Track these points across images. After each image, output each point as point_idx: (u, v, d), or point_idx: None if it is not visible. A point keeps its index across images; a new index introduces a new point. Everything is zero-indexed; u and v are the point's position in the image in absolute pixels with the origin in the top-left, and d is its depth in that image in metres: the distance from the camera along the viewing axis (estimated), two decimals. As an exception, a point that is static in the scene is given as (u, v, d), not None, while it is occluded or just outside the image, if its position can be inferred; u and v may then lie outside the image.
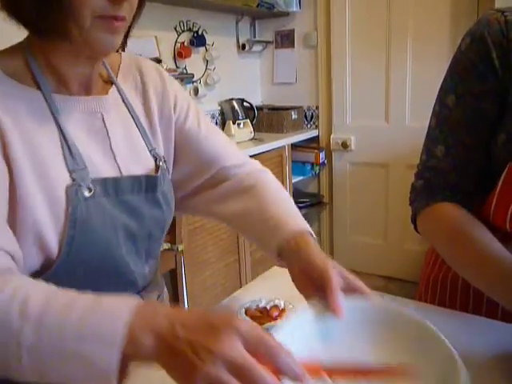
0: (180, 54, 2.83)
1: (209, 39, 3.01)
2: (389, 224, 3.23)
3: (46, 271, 0.67)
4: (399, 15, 2.91)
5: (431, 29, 2.81)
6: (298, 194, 3.37)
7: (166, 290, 1.00)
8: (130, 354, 0.51)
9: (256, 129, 3.21)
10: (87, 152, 0.73)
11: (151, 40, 2.64)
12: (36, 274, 0.67)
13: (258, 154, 2.81)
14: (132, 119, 0.82)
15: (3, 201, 0.64)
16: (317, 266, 0.73)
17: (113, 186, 0.74)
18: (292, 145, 3.16)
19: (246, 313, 0.85)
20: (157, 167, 0.83)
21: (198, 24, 2.96)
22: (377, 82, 3.08)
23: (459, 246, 0.85)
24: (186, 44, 2.91)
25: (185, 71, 2.92)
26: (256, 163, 0.99)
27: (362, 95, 3.17)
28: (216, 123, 3.18)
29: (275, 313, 0.85)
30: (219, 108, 3.21)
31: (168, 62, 2.80)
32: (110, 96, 0.79)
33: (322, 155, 3.33)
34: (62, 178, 0.69)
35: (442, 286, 1.00)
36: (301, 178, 3.36)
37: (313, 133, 3.41)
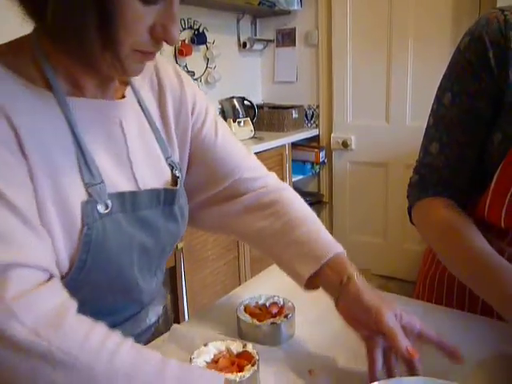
0: (181, 51, 2.83)
1: (210, 37, 3.01)
2: (388, 223, 3.23)
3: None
4: (400, 14, 2.91)
5: (432, 28, 2.81)
6: (297, 193, 3.36)
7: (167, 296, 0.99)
8: None
9: (256, 127, 3.20)
10: (103, 162, 0.68)
11: (152, 37, 2.63)
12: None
13: (259, 152, 2.80)
14: (148, 124, 0.77)
15: (31, 204, 0.59)
16: (370, 310, 0.69)
17: (130, 201, 0.69)
18: (292, 144, 3.16)
19: (245, 310, 0.85)
20: (174, 178, 0.78)
21: (199, 22, 2.96)
22: (377, 82, 3.08)
23: (444, 240, 0.86)
24: (186, 42, 2.91)
25: (185, 69, 2.92)
26: (275, 177, 0.93)
27: (362, 94, 3.17)
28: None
29: (274, 310, 0.85)
30: (220, 106, 3.20)
31: (169, 60, 2.79)
32: (127, 99, 0.73)
33: (322, 154, 3.33)
34: (78, 193, 0.64)
35: (438, 284, 1.00)
36: (301, 176, 3.36)
37: (313, 132, 3.41)
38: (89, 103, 0.67)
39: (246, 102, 3.20)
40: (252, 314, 0.84)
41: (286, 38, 3.43)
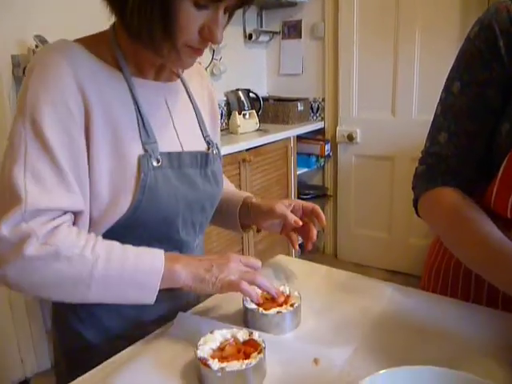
0: (186, 43, 2.81)
1: (215, 29, 2.98)
2: (393, 218, 3.22)
3: (105, 230, 0.81)
4: (408, 6, 2.88)
5: (440, 20, 2.78)
6: (302, 186, 3.36)
7: None
8: (167, 281, 0.76)
9: (261, 120, 3.20)
10: (156, 128, 0.85)
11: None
12: (100, 228, 0.81)
13: (263, 145, 2.80)
14: (193, 109, 0.96)
15: (78, 168, 0.76)
16: (267, 211, 1.00)
17: (177, 160, 0.86)
18: (297, 136, 3.15)
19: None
20: (208, 149, 0.96)
21: (205, 13, 2.93)
22: (384, 75, 3.06)
23: (455, 227, 0.85)
24: (192, 33, 2.88)
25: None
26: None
27: (368, 88, 3.15)
28: (221, 114, 3.17)
29: (281, 299, 0.85)
30: (225, 98, 3.20)
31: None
32: (173, 85, 0.93)
33: (327, 147, 3.32)
34: (136, 148, 0.81)
35: (444, 275, 1.00)
36: (305, 170, 3.35)
37: (318, 125, 3.40)
38: (147, 83, 0.87)
39: (251, 95, 3.19)
40: (258, 303, 0.84)
41: (292, 30, 3.42)
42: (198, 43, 0.77)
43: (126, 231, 0.82)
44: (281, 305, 0.84)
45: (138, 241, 0.80)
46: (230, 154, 2.49)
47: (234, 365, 0.67)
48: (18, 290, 0.75)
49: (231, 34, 3.19)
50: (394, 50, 2.99)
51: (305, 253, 3.59)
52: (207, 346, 0.71)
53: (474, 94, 0.85)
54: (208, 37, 0.76)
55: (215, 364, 0.67)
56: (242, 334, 0.74)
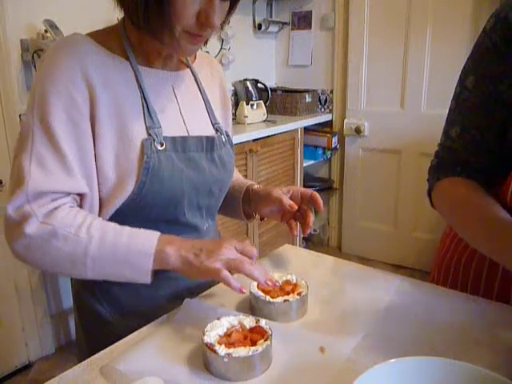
0: (196, 31, 2.80)
1: (225, 18, 2.97)
2: (399, 211, 3.21)
3: (113, 212, 0.84)
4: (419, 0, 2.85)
5: (452, 13, 2.75)
6: (308, 178, 3.35)
7: None
8: (159, 263, 0.77)
9: (269, 111, 3.19)
10: (162, 114, 0.88)
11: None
12: (109, 209, 0.84)
13: (271, 135, 2.79)
14: (201, 97, 0.99)
15: (84, 153, 0.80)
16: (264, 197, 1.03)
17: (181, 144, 0.89)
18: (305, 128, 3.13)
19: (258, 285, 0.85)
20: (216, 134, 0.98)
21: (215, 2, 2.91)
22: (394, 67, 3.04)
23: (467, 212, 0.85)
24: (201, 22, 2.87)
25: (200, 49, 2.89)
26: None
27: (377, 80, 3.13)
28: (229, 103, 3.16)
29: (288, 288, 0.85)
30: (233, 88, 3.18)
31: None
32: (181, 73, 0.96)
33: (334, 140, 3.31)
34: (140, 133, 0.84)
35: (454, 270, 0.99)
36: (312, 162, 3.34)
37: (326, 117, 3.38)
38: (153, 71, 0.90)
39: (259, 85, 3.17)
40: (265, 291, 0.84)
41: (302, 20, 3.39)
42: (196, 29, 0.79)
43: (134, 212, 0.86)
44: (288, 293, 0.84)
45: (145, 222, 0.84)
46: (237, 144, 2.48)
47: (241, 351, 0.67)
48: (29, 265, 0.81)
49: (240, 24, 3.17)
50: (404, 42, 2.97)
51: (308, 245, 3.60)
52: (214, 332, 0.71)
53: (487, 88, 0.84)
54: (204, 21, 0.78)
55: (222, 350, 0.67)
56: (248, 321, 0.74)
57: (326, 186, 3.43)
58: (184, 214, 0.91)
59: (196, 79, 0.99)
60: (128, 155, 0.83)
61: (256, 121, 3.01)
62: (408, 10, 2.91)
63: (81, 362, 0.73)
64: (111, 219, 0.84)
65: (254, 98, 3.06)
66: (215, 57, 3.02)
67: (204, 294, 0.92)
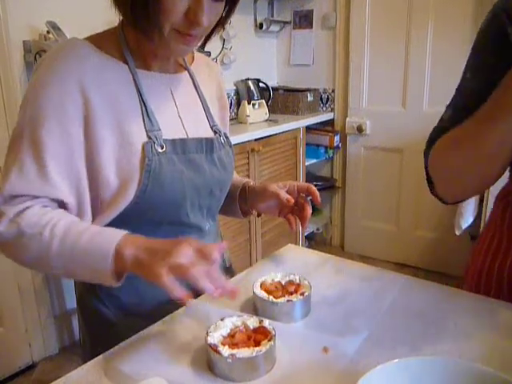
0: (197, 31, 2.79)
1: (226, 17, 2.96)
2: (401, 210, 3.21)
3: (115, 215, 0.84)
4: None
5: (453, 12, 2.75)
6: (310, 177, 3.35)
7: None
8: (119, 264, 0.72)
9: (271, 110, 3.18)
10: (161, 117, 0.88)
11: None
12: (112, 213, 0.84)
13: (273, 135, 2.79)
14: (199, 100, 0.99)
15: (75, 161, 0.80)
16: (261, 193, 1.04)
17: (180, 146, 0.89)
18: (306, 127, 3.13)
19: (261, 286, 0.85)
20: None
21: (216, 1, 2.91)
22: (395, 66, 3.03)
23: (454, 137, 0.86)
24: (203, 21, 2.87)
25: (201, 49, 2.89)
26: None
27: (379, 79, 3.12)
28: (231, 103, 3.16)
29: (291, 288, 0.85)
30: (234, 88, 3.18)
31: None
32: (179, 76, 0.96)
33: (336, 138, 3.30)
34: (140, 136, 0.84)
35: (487, 277, 0.97)
36: (314, 160, 3.34)
37: (328, 116, 3.38)
38: (151, 74, 0.90)
39: (261, 84, 3.17)
40: (268, 291, 0.84)
41: (303, 19, 3.39)
42: (185, 27, 0.78)
43: (137, 216, 0.85)
44: (291, 293, 0.84)
45: (149, 225, 0.84)
46: (239, 143, 2.48)
47: (245, 352, 0.67)
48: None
49: (242, 24, 3.17)
50: (405, 41, 2.96)
51: (311, 244, 3.60)
52: (217, 332, 0.71)
53: (484, 77, 0.85)
54: (193, 19, 0.77)
55: (225, 350, 0.67)
56: (252, 322, 0.74)
57: (328, 185, 3.43)
58: (187, 214, 0.91)
59: (194, 81, 0.99)
60: (129, 159, 0.83)
61: (258, 120, 3.01)
62: (409, 9, 2.91)
63: (85, 362, 0.74)
64: (114, 223, 0.83)
65: (255, 98, 3.06)
66: (217, 56, 3.02)
67: (206, 294, 0.92)
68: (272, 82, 3.47)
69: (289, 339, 0.76)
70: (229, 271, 1.11)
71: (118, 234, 0.74)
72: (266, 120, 3.05)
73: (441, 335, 0.78)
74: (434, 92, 2.92)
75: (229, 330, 0.72)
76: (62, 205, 0.81)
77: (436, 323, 0.81)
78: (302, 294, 0.83)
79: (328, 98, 3.42)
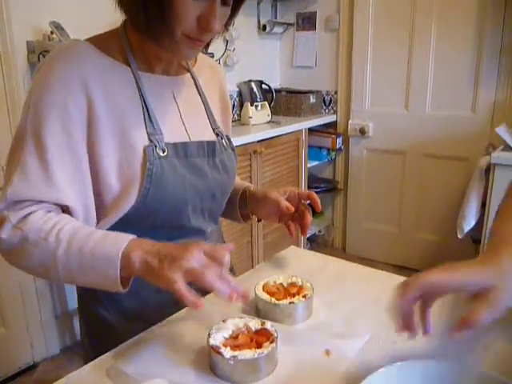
0: (200, 33, 2.80)
1: (229, 19, 2.96)
2: (403, 212, 3.21)
3: (117, 219, 0.83)
4: (424, 0, 2.84)
5: (456, 14, 2.74)
6: (312, 179, 3.35)
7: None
8: (126, 269, 0.71)
9: (273, 112, 3.18)
10: (163, 120, 0.87)
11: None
12: (114, 217, 0.83)
13: (275, 136, 2.79)
14: (201, 102, 0.98)
15: (78, 164, 0.79)
16: (262, 199, 1.04)
17: (182, 149, 0.88)
18: (309, 129, 3.13)
19: (263, 288, 0.85)
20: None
21: (220, 3, 2.91)
22: (398, 68, 3.03)
23: None
24: (206, 23, 2.87)
25: (204, 51, 2.89)
26: None
27: (382, 81, 3.12)
28: (234, 105, 3.16)
29: (293, 290, 0.85)
30: (237, 89, 3.19)
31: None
32: (181, 78, 0.95)
33: (339, 140, 3.30)
34: (142, 139, 0.83)
35: None
36: (316, 162, 3.33)
37: (331, 118, 3.37)
38: (154, 77, 0.89)
39: (263, 86, 3.17)
40: (270, 293, 0.84)
41: (307, 21, 3.39)
42: (196, 33, 0.78)
43: (138, 219, 0.84)
44: (293, 295, 0.84)
45: (150, 229, 0.83)
46: (241, 145, 2.48)
47: (246, 353, 0.67)
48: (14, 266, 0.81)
49: (245, 25, 3.17)
50: (408, 43, 2.96)
51: (312, 246, 3.59)
52: (219, 334, 0.71)
53: None
54: (205, 26, 0.77)
55: (227, 352, 0.67)
56: (254, 323, 0.74)
57: (330, 187, 3.43)
58: (188, 218, 0.91)
59: (196, 83, 0.98)
60: (131, 162, 0.82)
61: (260, 122, 3.01)
62: (412, 11, 2.91)
63: (86, 364, 0.74)
64: (115, 227, 0.82)
65: (258, 99, 3.06)
66: (220, 58, 3.02)
67: (208, 296, 0.92)
68: (275, 83, 3.48)
69: (291, 341, 0.75)
70: (231, 273, 1.10)
71: (125, 238, 0.73)
72: (269, 122, 3.05)
73: (443, 337, 0.77)
74: (436, 94, 2.92)
75: (231, 332, 0.72)
76: (66, 209, 0.79)
77: (438, 326, 0.81)
78: (304, 296, 0.83)
79: (331, 100, 3.42)
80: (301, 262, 1.07)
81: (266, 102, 3.11)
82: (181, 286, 0.65)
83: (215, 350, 0.67)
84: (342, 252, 3.54)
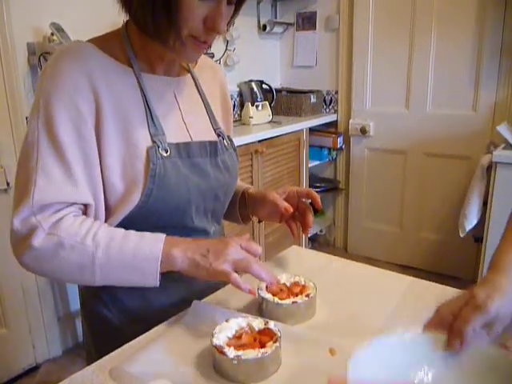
0: (200, 33, 2.80)
1: (229, 19, 2.96)
2: (405, 212, 3.20)
3: (121, 218, 0.84)
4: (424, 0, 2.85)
5: (457, 13, 2.74)
6: (313, 179, 3.35)
7: None
8: (167, 265, 0.78)
9: (274, 111, 3.18)
10: (165, 121, 0.88)
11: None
12: (117, 217, 0.84)
13: (276, 136, 2.79)
14: (202, 103, 0.98)
15: (89, 163, 0.79)
16: (260, 200, 1.05)
17: (185, 150, 0.88)
18: (310, 129, 3.13)
19: (266, 287, 0.85)
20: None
21: (220, 3, 2.91)
22: (398, 68, 3.03)
23: None
24: (206, 23, 2.87)
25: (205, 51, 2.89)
26: None
27: (382, 80, 3.12)
28: (234, 105, 3.16)
29: (296, 289, 0.85)
30: (238, 89, 3.19)
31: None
32: (182, 79, 0.95)
33: (339, 140, 3.30)
34: (145, 140, 0.84)
35: None
36: (317, 162, 3.33)
37: (331, 117, 3.37)
38: (155, 78, 0.89)
39: (264, 86, 3.17)
40: (273, 293, 0.84)
41: (307, 21, 3.39)
42: (203, 34, 0.78)
43: (142, 220, 0.84)
44: (296, 295, 0.83)
45: (153, 229, 0.82)
46: (242, 145, 2.48)
47: (250, 353, 0.67)
48: (39, 275, 0.83)
49: (245, 25, 3.17)
50: (409, 42, 2.96)
51: (314, 245, 3.59)
52: (223, 334, 0.71)
53: None
54: (211, 27, 0.77)
55: (231, 352, 0.67)
56: (257, 323, 0.74)
57: (331, 187, 3.43)
58: (192, 218, 0.91)
59: (196, 84, 0.99)
60: (134, 163, 0.82)
61: (261, 122, 3.01)
62: (412, 11, 2.90)
63: (89, 365, 0.74)
64: (119, 226, 0.83)
65: (259, 99, 3.06)
66: (220, 58, 3.03)
67: (212, 296, 0.92)
68: (275, 83, 3.48)
69: (294, 341, 0.75)
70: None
71: (159, 237, 0.79)
72: (270, 121, 3.05)
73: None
74: (437, 93, 2.92)
75: (234, 332, 0.72)
76: (86, 208, 0.81)
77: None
78: (308, 295, 0.83)
79: (331, 100, 3.42)
80: (303, 262, 1.07)
81: (267, 102, 3.10)
82: (235, 276, 0.76)
83: (219, 349, 0.67)
84: (344, 252, 3.53)
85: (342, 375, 0.59)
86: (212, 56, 2.91)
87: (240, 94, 3.19)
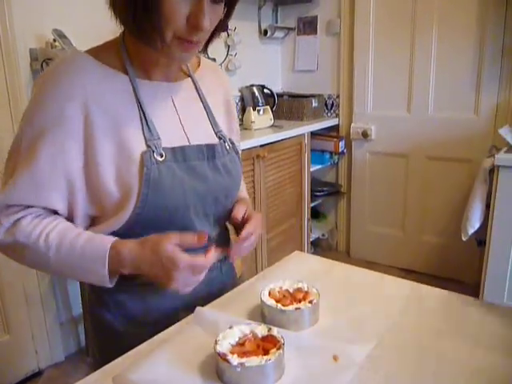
0: (202, 38, 2.80)
1: (231, 24, 2.97)
2: (407, 215, 3.20)
3: (121, 225, 0.85)
4: (425, 3, 2.85)
5: (457, 16, 2.74)
6: (315, 183, 3.35)
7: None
8: (116, 265, 0.80)
9: (276, 116, 3.18)
10: (161, 126, 0.88)
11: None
12: (116, 223, 0.85)
13: (278, 141, 2.79)
14: (203, 106, 0.98)
15: (69, 175, 0.81)
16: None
17: (180, 153, 0.88)
18: (311, 133, 3.13)
19: (269, 294, 0.85)
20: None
21: (221, 8, 2.92)
22: (400, 71, 3.03)
23: None
24: (208, 28, 2.88)
25: (206, 56, 2.90)
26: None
27: (384, 84, 3.12)
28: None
29: (299, 295, 0.85)
30: (239, 94, 3.19)
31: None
32: (181, 84, 0.95)
33: (341, 144, 3.30)
34: (139, 145, 0.84)
35: None
36: (319, 166, 3.33)
37: (333, 121, 3.37)
38: (152, 84, 0.90)
39: (265, 91, 3.18)
40: (276, 299, 0.83)
41: (308, 26, 3.39)
42: (187, 33, 0.78)
43: (142, 224, 0.85)
44: (299, 301, 0.83)
45: (155, 232, 0.83)
46: (244, 150, 2.48)
47: (254, 360, 0.67)
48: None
49: (246, 30, 3.18)
50: (410, 46, 2.96)
51: (316, 250, 3.59)
52: (226, 341, 0.71)
53: None
54: (194, 25, 0.77)
55: (234, 359, 0.67)
56: (260, 330, 0.74)
57: (333, 191, 3.42)
58: (192, 222, 0.90)
59: (197, 88, 0.99)
60: (128, 169, 0.83)
61: (263, 126, 3.01)
62: (413, 14, 2.91)
63: (95, 370, 0.74)
64: (120, 231, 0.85)
65: (260, 104, 3.07)
66: (222, 63, 3.03)
67: (214, 302, 0.92)
68: (277, 88, 3.48)
69: (298, 347, 0.75)
70: (239, 280, 1.09)
71: (108, 238, 0.82)
72: (271, 126, 3.05)
73: (447, 343, 0.77)
74: (438, 97, 2.92)
75: (237, 339, 0.72)
76: (55, 212, 0.85)
77: (444, 330, 0.80)
78: (311, 301, 0.83)
79: (333, 104, 3.42)
80: (306, 267, 1.06)
81: (269, 107, 3.11)
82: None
83: (222, 357, 0.67)
84: (346, 256, 3.53)
85: None
86: (213, 61, 2.91)
87: (241, 99, 3.19)
